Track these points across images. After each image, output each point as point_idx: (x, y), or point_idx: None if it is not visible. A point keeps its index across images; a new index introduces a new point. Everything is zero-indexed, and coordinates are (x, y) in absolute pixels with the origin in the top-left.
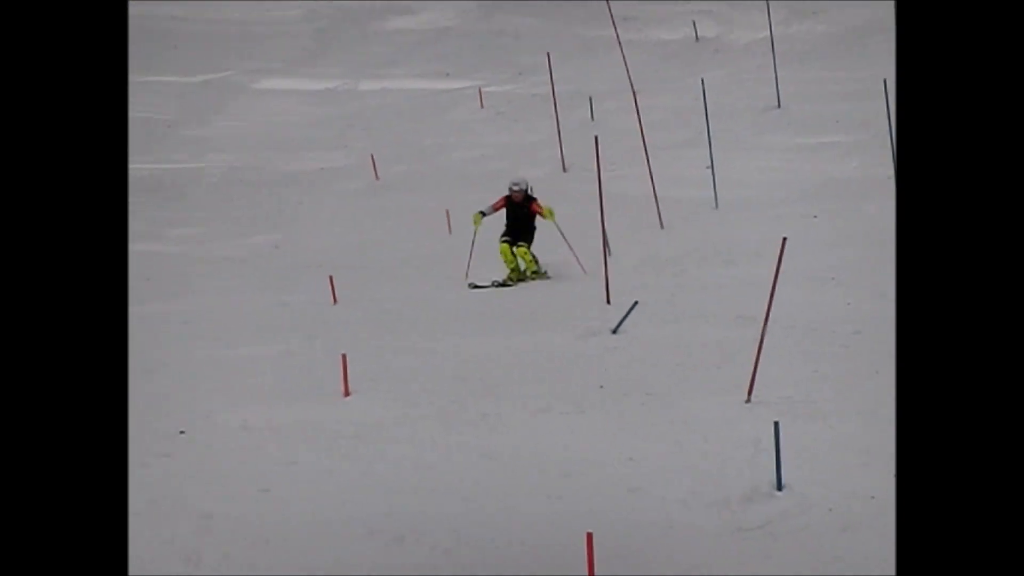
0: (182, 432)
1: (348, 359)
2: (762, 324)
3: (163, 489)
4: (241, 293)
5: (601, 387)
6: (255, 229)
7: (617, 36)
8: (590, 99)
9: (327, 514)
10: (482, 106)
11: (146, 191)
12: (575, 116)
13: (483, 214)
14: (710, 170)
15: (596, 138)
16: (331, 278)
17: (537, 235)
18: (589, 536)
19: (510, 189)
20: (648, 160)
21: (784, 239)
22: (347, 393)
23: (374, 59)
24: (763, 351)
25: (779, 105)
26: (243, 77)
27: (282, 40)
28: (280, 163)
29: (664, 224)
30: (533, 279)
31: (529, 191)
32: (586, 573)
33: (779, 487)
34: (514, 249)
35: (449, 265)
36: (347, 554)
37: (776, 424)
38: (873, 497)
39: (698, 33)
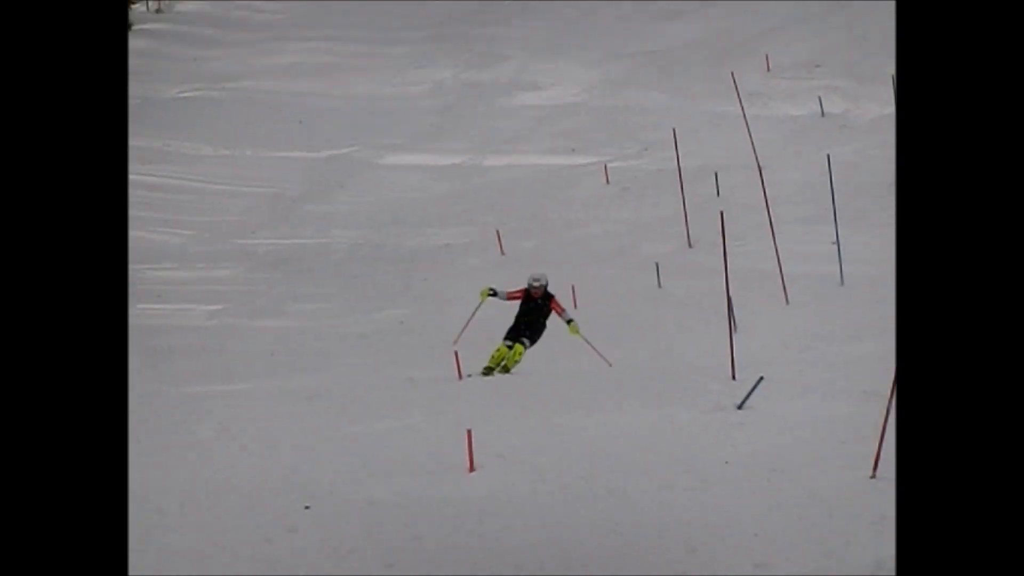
0: (307, 507)
1: (473, 434)
2: (887, 401)
3: (289, 564)
4: (366, 369)
5: (726, 463)
6: (380, 305)
7: (743, 111)
8: (716, 174)
9: None
10: (607, 182)
11: (271, 266)
12: (701, 191)
13: (493, 293)
14: (836, 246)
15: (722, 213)
16: (456, 353)
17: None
18: None
19: (530, 284)
20: (774, 235)
21: None
22: (472, 468)
23: (500, 135)
24: (888, 426)
25: None
26: (368, 152)
27: (408, 115)
28: (405, 239)
29: (790, 299)
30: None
31: (548, 288)
32: None
33: None
34: (512, 347)
35: (576, 340)
36: None
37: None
38: None
39: (824, 109)
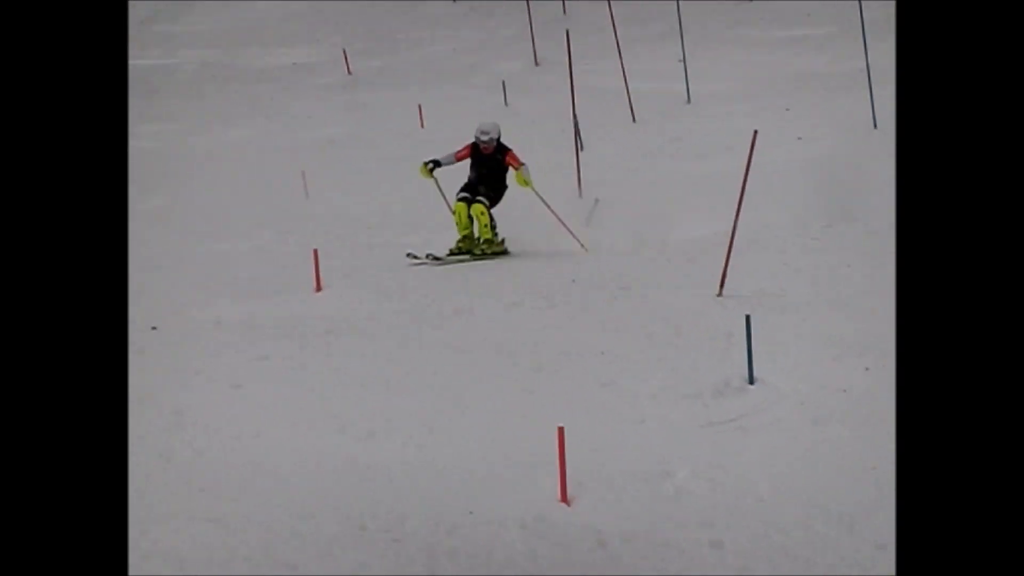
0: (154, 328)
1: (320, 254)
2: (734, 218)
3: (134, 386)
4: (213, 189)
5: (573, 281)
6: (228, 125)
7: None
8: None
9: (298, 410)
10: (455, 0)
11: None
12: (547, 10)
13: (436, 164)
14: (682, 64)
15: (567, 32)
16: (303, 173)
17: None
18: (560, 430)
19: (477, 138)
20: (620, 54)
21: (755, 132)
22: (319, 288)
23: None
24: (735, 245)
25: None
26: None
27: None
28: (253, 59)
29: (636, 118)
30: (484, 253)
31: (501, 139)
32: (557, 467)
33: (751, 380)
34: (470, 208)
35: (422, 160)
36: (317, 450)
37: (747, 317)
38: (844, 390)
39: None
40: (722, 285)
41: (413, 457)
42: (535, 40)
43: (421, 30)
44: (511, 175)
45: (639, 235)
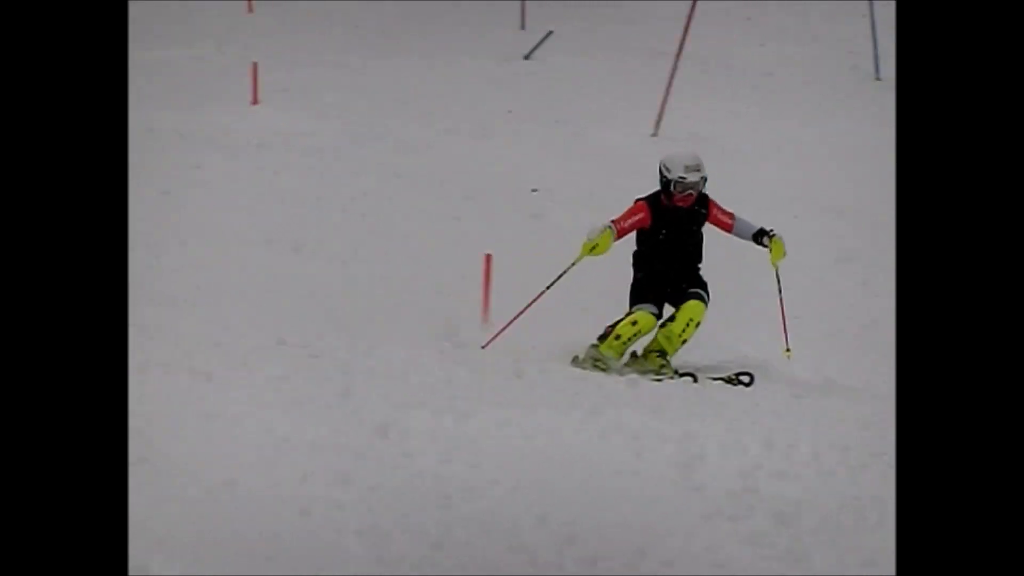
0: None
1: (259, 68)
2: (675, 58)
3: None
4: None
5: (510, 112)
6: None
7: None
8: None
9: (226, 219)
10: None
11: None
12: None
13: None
14: None
15: None
16: None
17: None
18: (487, 257)
19: (677, 180)
20: None
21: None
22: (256, 101)
23: None
24: (674, 86)
25: None
26: None
27: None
28: None
29: None
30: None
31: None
32: (482, 288)
33: None
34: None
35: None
36: (241, 261)
37: None
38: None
39: None
40: (658, 125)
41: (337, 275)
42: None
43: None
44: (746, 251)
45: (580, 69)
